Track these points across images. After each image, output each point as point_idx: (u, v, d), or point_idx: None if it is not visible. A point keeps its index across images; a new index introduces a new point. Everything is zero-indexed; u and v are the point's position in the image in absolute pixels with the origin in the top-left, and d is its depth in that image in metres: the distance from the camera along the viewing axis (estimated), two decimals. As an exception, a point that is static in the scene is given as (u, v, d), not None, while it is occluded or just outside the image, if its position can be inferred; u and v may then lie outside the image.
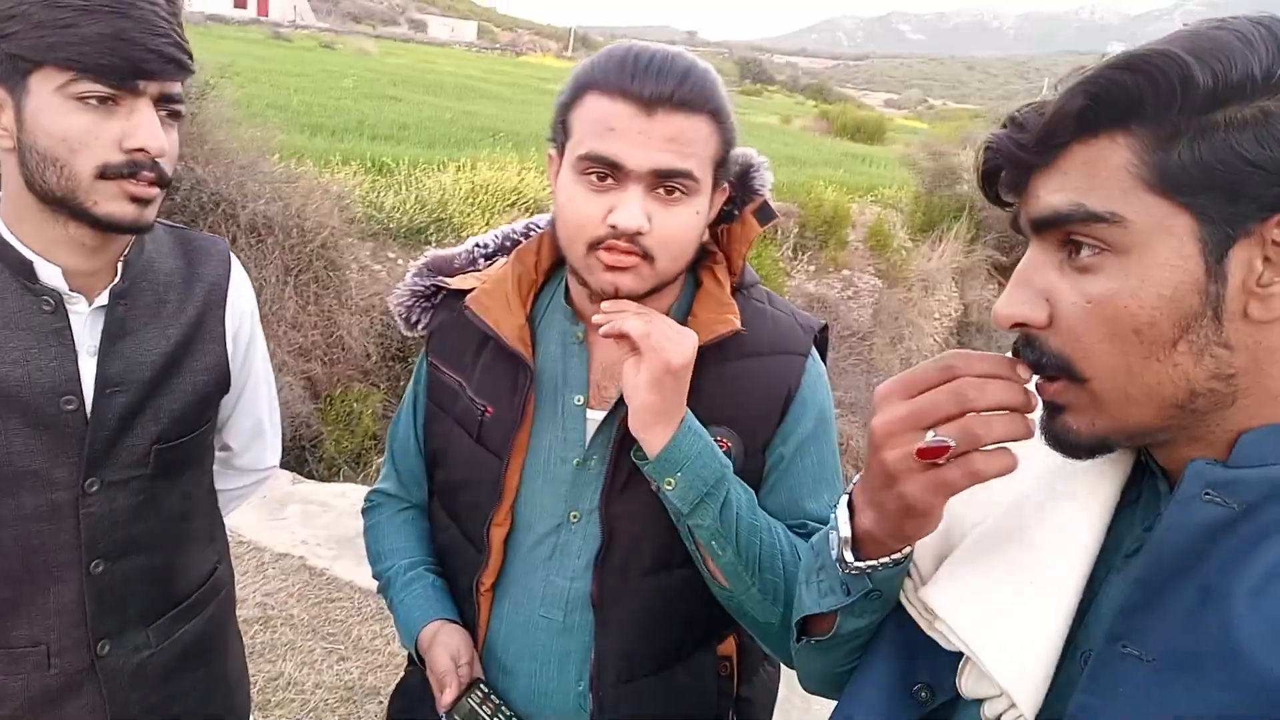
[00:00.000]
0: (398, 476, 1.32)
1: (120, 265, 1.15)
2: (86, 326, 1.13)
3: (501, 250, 1.25)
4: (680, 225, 1.04)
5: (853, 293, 13.43)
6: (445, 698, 1.12)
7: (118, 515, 1.16)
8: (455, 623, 1.19)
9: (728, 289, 1.14)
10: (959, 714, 0.72)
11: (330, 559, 3.31)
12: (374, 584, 3.40)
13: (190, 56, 1.07)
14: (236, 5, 51.77)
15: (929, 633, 0.73)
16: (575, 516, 1.13)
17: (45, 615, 1.14)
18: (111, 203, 1.05)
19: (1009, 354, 0.68)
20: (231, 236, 6.81)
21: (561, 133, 1.07)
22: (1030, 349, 0.65)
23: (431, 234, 11.55)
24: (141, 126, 1.03)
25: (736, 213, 1.16)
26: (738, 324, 1.09)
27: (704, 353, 1.06)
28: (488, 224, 12.20)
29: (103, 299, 1.14)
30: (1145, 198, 0.58)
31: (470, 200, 12.45)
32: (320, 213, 8.83)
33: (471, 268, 1.24)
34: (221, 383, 1.27)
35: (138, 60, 1.00)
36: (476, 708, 1.12)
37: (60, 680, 1.16)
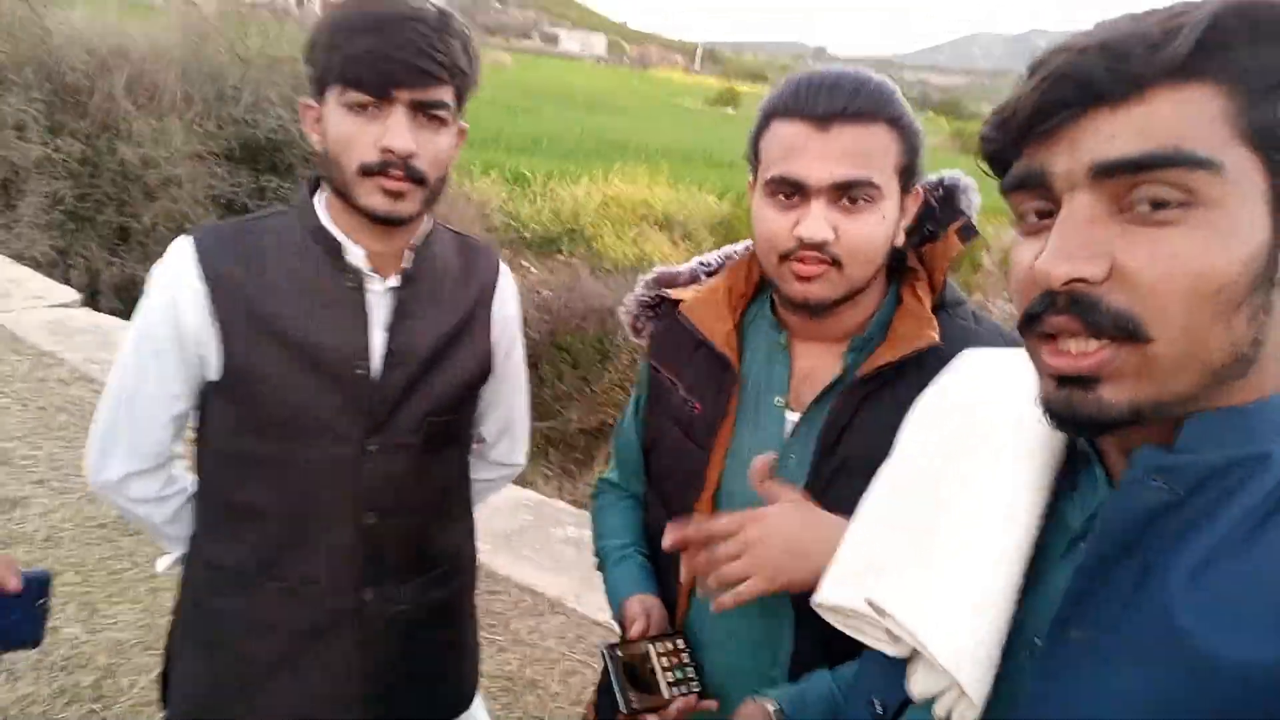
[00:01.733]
0: (620, 468, 1.44)
1: (409, 253, 1.30)
2: (380, 303, 1.29)
3: (722, 268, 1.34)
4: (866, 232, 1.08)
5: (985, 317, 12.96)
6: (633, 632, 1.22)
7: (392, 476, 1.30)
8: (655, 596, 1.28)
9: (928, 305, 1.17)
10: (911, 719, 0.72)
11: (488, 553, 3.44)
12: (529, 579, 3.49)
13: (445, 67, 1.18)
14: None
15: (872, 637, 0.73)
16: None
17: (322, 556, 1.29)
18: (370, 196, 1.19)
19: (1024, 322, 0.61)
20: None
21: (754, 159, 1.16)
22: (1080, 308, 0.57)
23: (564, 243, 11.83)
24: (391, 129, 1.16)
25: (940, 232, 1.19)
26: (936, 338, 1.12)
27: (904, 367, 1.10)
28: (618, 236, 12.41)
29: (394, 281, 1.29)
30: (1238, 150, 0.55)
31: (601, 212, 12.70)
32: (465, 220, 9.21)
33: (694, 283, 1.33)
34: (483, 371, 1.41)
35: (388, 72, 1.14)
36: (650, 648, 1.18)
37: (328, 617, 1.31)
